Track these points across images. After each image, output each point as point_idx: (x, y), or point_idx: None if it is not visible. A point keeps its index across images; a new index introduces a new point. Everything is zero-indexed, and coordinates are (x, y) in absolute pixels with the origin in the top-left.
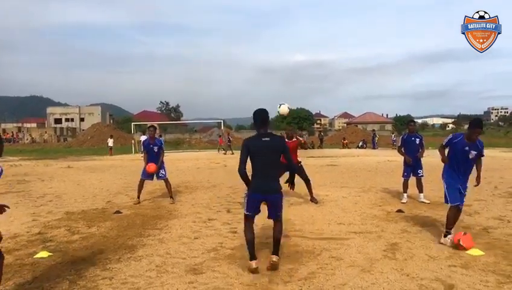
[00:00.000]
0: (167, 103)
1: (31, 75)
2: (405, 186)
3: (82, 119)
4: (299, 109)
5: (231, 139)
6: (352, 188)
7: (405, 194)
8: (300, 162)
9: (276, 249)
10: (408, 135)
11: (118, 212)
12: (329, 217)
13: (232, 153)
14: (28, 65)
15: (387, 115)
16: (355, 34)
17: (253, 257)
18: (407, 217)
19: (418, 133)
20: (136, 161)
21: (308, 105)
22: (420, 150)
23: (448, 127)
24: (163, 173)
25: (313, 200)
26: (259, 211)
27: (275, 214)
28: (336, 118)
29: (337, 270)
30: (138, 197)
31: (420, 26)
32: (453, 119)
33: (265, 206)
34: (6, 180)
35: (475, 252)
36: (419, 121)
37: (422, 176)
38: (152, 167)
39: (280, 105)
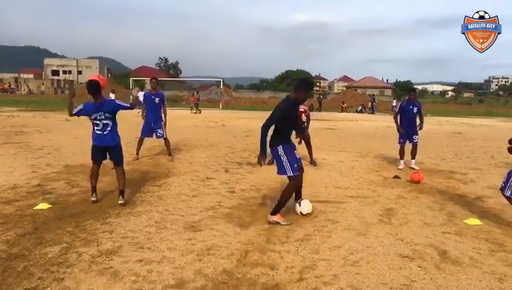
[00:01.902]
0: (166, 59)
1: (28, 24)
2: (401, 152)
3: (80, 72)
4: (299, 70)
5: (199, 98)
6: (349, 153)
7: (402, 161)
8: (304, 123)
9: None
10: (407, 103)
11: None
12: (327, 181)
13: (200, 112)
14: (24, 14)
15: (387, 80)
16: None
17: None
18: (404, 183)
19: (417, 102)
20: (133, 117)
21: (308, 67)
22: (419, 121)
23: (448, 94)
24: (162, 132)
25: (313, 162)
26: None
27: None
28: (336, 81)
29: (333, 233)
30: (137, 154)
31: None
32: (452, 87)
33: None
34: (4, 131)
35: (472, 221)
36: (419, 87)
37: (417, 142)
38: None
39: None
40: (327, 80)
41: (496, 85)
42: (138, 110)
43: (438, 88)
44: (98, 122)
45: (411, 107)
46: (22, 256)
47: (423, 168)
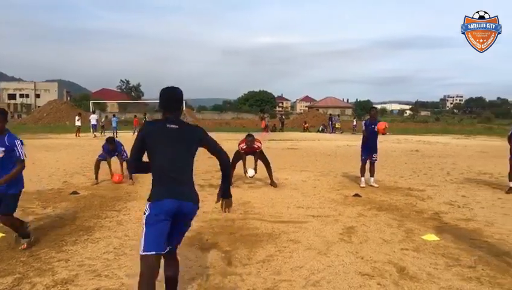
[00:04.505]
0: (127, 82)
1: None
2: (363, 169)
3: (37, 96)
4: (262, 91)
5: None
6: (311, 172)
7: (363, 178)
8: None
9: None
10: (369, 122)
11: (74, 193)
12: (289, 201)
13: None
14: None
15: (347, 100)
16: (320, 19)
17: None
18: (364, 201)
19: (376, 120)
20: (93, 140)
21: (271, 88)
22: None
23: (406, 113)
24: (125, 154)
25: (273, 184)
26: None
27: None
28: (298, 101)
29: (295, 253)
30: (96, 178)
31: (383, 13)
32: (410, 106)
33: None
34: None
35: (429, 237)
36: (378, 106)
37: (376, 160)
38: (119, 178)
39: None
40: (290, 100)
41: (451, 104)
42: (93, 135)
43: (396, 107)
44: None
45: (372, 126)
46: None
47: (383, 186)
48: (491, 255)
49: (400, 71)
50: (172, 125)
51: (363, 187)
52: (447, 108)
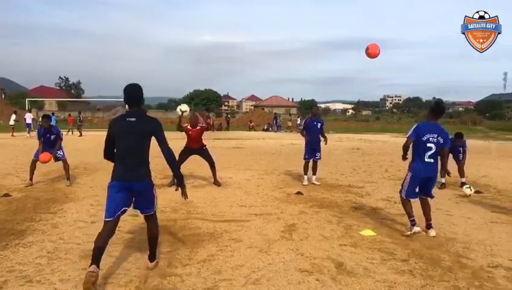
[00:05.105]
0: (67, 79)
1: None
2: (306, 168)
3: None
4: (208, 90)
5: (82, 119)
6: (255, 171)
7: (306, 176)
8: (205, 145)
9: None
10: (311, 119)
11: (6, 195)
12: (232, 200)
13: (81, 135)
14: None
15: (292, 99)
16: (264, 19)
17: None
18: (306, 198)
19: (320, 118)
20: (28, 140)
21: (217, 86)
22: (324, 137)
23: (348, 112)
24: (62, 153)
25: (216, 183)
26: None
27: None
28: (244, 100)
29: (236, 252)
30: (31, 179)
31: (326, 15)
32: (352, 105)
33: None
34: None
35: (367, 232)
36: (322, 106)
37: (319, 158)
38: (46, 156)
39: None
40: (236, 99)
41: (390, 103)
42: (28, 135)
43: (339, 106)
44: None
45: (315, 123)
46: None
47: (324, 183)
48: (423, 249)
49: (343, 71)
50: (131, 119)
51: (306, 185)
52: (387, 107)
